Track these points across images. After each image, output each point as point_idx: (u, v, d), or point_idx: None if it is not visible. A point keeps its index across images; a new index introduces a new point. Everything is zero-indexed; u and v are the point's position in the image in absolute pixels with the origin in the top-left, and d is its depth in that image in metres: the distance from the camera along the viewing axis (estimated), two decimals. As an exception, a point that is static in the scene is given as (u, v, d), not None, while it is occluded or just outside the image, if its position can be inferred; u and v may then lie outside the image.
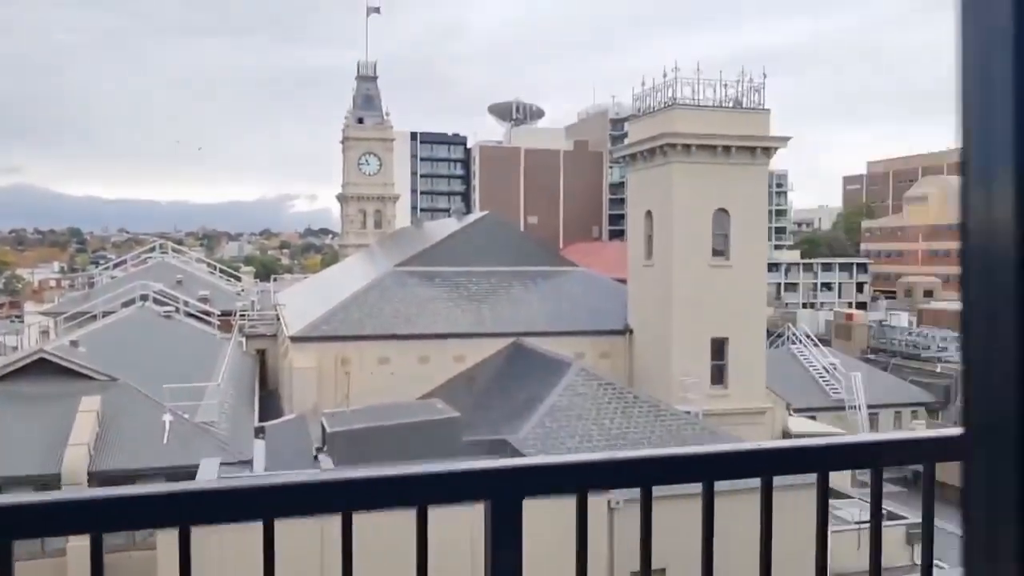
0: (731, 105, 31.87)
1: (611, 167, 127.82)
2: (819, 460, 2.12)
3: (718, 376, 31.90)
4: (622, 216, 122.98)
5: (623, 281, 37.12)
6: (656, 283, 32.50)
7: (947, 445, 2.17)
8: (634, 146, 33.72)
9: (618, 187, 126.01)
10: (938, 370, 46.48)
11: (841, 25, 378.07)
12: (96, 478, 20.28)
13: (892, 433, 2.09)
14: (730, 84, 31.80)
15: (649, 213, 33.19)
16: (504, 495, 1.81)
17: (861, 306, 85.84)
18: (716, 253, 31.82)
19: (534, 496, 1.83)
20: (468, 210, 68.30)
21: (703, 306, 31.22)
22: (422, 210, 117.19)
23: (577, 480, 1.89)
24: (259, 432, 26.58)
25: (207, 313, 41.56)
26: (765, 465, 2.08)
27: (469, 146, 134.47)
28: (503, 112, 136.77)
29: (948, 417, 44.27)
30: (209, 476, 18.00)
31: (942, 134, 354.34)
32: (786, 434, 33.00)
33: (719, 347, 31.80)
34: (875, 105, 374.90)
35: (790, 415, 34.69)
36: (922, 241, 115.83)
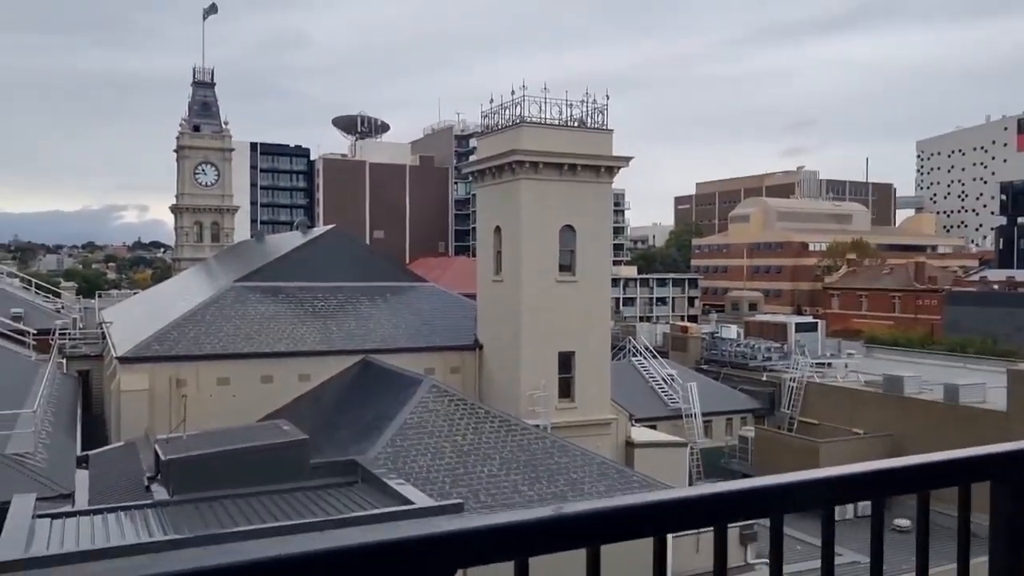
0: (576, 125, 32.62)
1: (456, 183, 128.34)
2: (875, 484, 2.03)
3: (565, 389, 32.38)
4: (468, 232, 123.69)
5: (471, 296, 37.08)
6: (505, 298, 32.64)
7: (984, 464, 2.13)
8: (483, 162, 33.82)
9: (464, 203, 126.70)
10: (764, 378, 49.54)
11: (672, 52, 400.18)
12: None
13: (935, 455, 2.06)
14: (575, 104, 32.56)
15: (498, 229, 33.34)
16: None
17: (693, 319, 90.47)
18: (563, 268, 32.37)
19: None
20: (312, 224, 66.32)
21: (551, 320, 31.65)
22: (263, 223, 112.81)
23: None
24: (82, 462, 24.34)
25: (21, 332, 37.82)
26: (827, 493, 1.95)
27: (312, 158, 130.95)
28: (348, 125, 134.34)
29: (772, 422, 47.24)
30: (23, 513, 16.14)
31: (763, 157, 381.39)
32: (629, 444, 33.97)
33: (566, 361, 32.31)
34: (702, 129, 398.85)
35: (633, 425, 35.77)
36: (746, 257, 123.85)
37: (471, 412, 25.70)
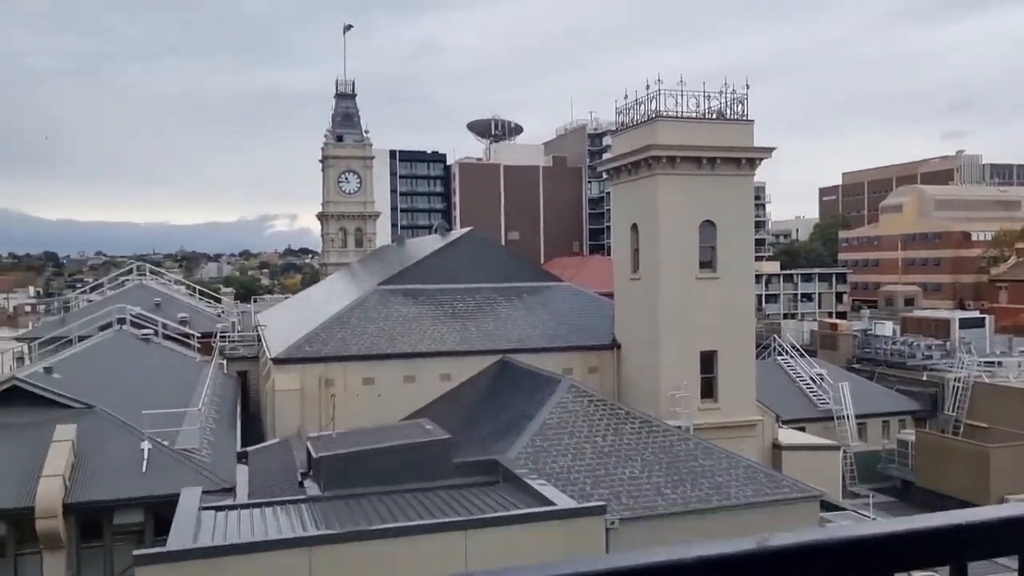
0: (714, 116, 31.59)
1: (590, 182, 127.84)
2: None
3: (708, 389, 31.43)
4: (602, 230, 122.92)
5: (607, 295, 36.65)
6: (643, 296, 32.04)
7: None
8: (618, 159, 33.34)
9: (597, 202, 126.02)
10: (924, 378, 46.32)
11: (815, 39, 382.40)
12: (72, 510, 19.39)
13: None
14: (713, 96, 31.54)
15: (635, 226, 32.78)
16: None
17: (841, 316, 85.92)
18: (703, 265, 31.44)
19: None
20: (450, 227, 67.80)
21: (691, 318, 30.80)
22: (403, 228, 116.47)
23: None
24: (242, 457, 25.77)
25: (186, 336, 40.61)
26: None
27: (449, 163, 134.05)
28: (482, 129, 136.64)
29: (935, 425, 44.08)
30: (191, 505, 17.21)
31: (917, 144, 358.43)
32: (776, 446, 32.58)
33: (708, 360, 31.36)
34: (849, 117, 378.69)
35: (779, 427, 34.27)
36: (900, 250, 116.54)
37: (611, 412, 25.34)
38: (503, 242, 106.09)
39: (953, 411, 43.32)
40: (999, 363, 47.42)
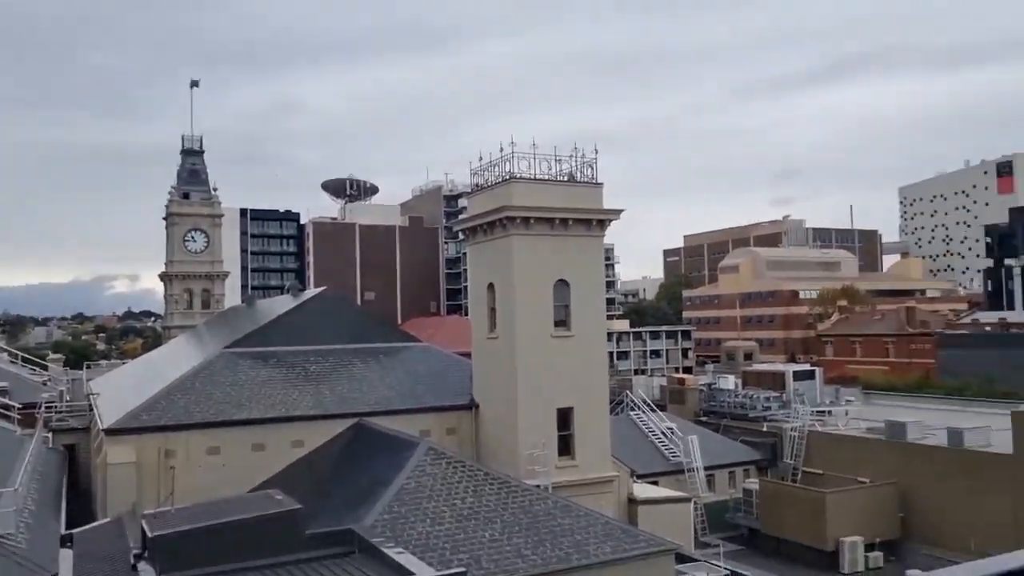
0: (566, 179, 32.51)
1: (446, 242, 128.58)
2: None
3: (565, 447, 31.57)
4: (459, 290, 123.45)
5: (464, 355, 36.44)
6: (500, 355, 32.05)
7: None
8: (474, 219, 33.58)
9: (454, 262, 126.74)
10: (764, 429, 48.74)
11: (658, 110, 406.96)
12: None
13: None
14: (564, 159, 32.50)
15: (491, 285, 32.93)
16: None
17: (688, 371, 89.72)
18: (558, 323, 31.87)
19: None
20: (303, 287, 65.81)
21: (548, 376, 31.02)
22: (254, 288, 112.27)
23: None
24: (67, 541, 23.31)
25: (6, 407, 36.84)
26: None
27: (303, 222, 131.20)
28: (337, 189, 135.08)
29: (776, 473, 46.28)
30: (1, 600, 15.23)
31: (751, 209, 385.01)
32: (632, 501, 33.05)
33: (565, 417, 31.57)
34: (690, 183, 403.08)
35: (634, 481, 34.86)
36: (738, 308, 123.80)
37: (470, 474, 24.89)
38: (359, 302, 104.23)
39: (791, 459, 45.71)
40: (829, 412, 50.66)
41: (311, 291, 45.21)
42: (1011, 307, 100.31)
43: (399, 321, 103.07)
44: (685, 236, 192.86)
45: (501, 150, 32.07)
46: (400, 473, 24.15)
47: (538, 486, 27.37)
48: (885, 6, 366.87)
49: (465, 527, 22.69)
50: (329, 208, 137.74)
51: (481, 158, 33.35)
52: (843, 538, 37.95)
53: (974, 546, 36.01)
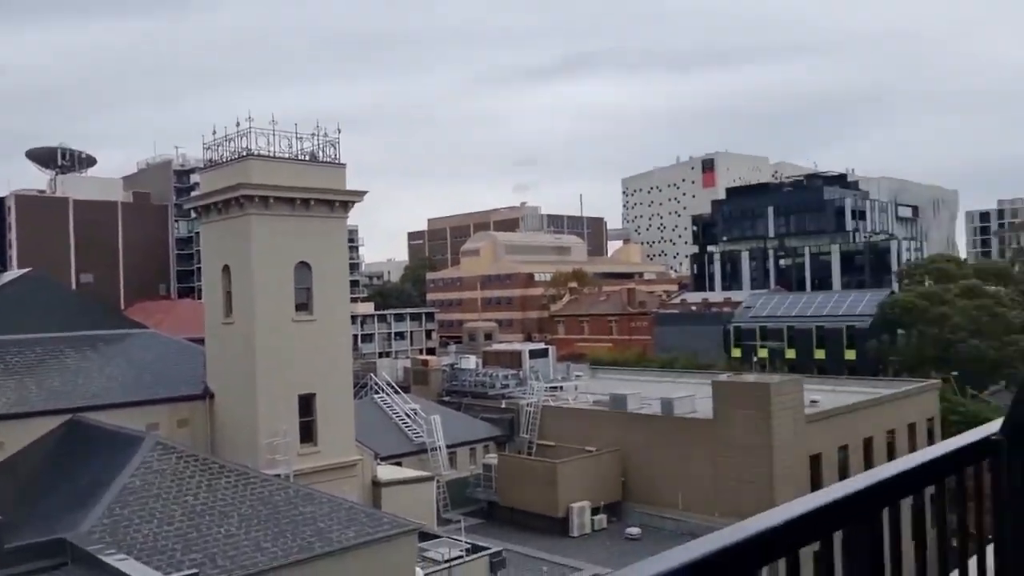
0: (307, 158, 31.50)
1: (177, 220, 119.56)
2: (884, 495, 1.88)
3: (307, 433, 30.80)
4: (192, 272, 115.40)
5: (198, 341, 34.21)
6: (237, 341, 30.44)
7: (980, 449, 2.22)
8: (207, 197, 31.48)
9: (186, 242, 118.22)
10: (503, 406, 50.95)
11: (404, 94, 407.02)
12: None
13: (928, 450, 1.96)
14: (305, 138, 31.46)
15: (227, 268, 31.12)
16: None
17: (432, 352, 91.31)
18: (299, 307, 30.91)
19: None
20: (4, 268, 57.90)
21: (288, 362, 30.01)
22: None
23: None
24: None
25: None
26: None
27: (2, 195, 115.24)
28: (45, 158, 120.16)
29: (513, 448, 48.62)
30: None
31: (494, 194, 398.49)
32: (376, 483, 33.05)
33: (307, 403, 30.78)
34: (436, 167, 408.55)
35: (378, 464, 34.89)
36: (479, 290, 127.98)
37: (203, 468, 23.43)
38: (73, 285, 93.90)
39: (527, 433, 48.24)
40: (560, 387, 54.12)
41: (14, 272, 39.89)
42: (712, 288, 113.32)
43: (123, 306, 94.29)
44: (429, 219, 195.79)
45: (238, 125, 30.35)
46: (122, 472, 22.14)
47: (279, 475, 26.47)
48: (621, 7, 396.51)
49: (198, 524, 21.34)
50: (37, 180, 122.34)
51: (215, 132, 31.34)
52: (572, 504, 40.81)
53: (681, 503, 40.42)
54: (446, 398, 53.74)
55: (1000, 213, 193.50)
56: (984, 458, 2.20)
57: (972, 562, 2.09)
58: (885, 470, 1.88)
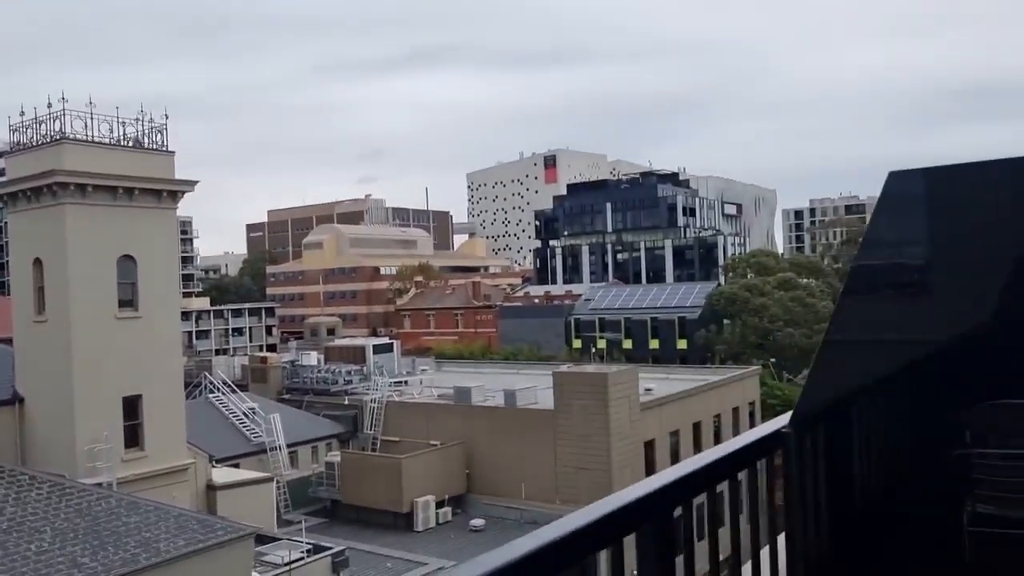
0: (131, 145, 29.47)
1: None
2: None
3: (133, 438, 28.87)
4: (1, 266, 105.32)
5: (7, 341, 31.26)
6: (51, 341, 28.04)
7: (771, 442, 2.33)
8: (15, 184, 28.76)
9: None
10: (346, 402, 49.96)
11: (246, 81, 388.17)
12: None
13: (722, 446, 1.91)
14: (129, 123, 29.41)
15: (38, 261, 28.58)
16: None
17: (272, 348, 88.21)
18: (123, 304, 28.89)
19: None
20: None
21: (110, 362, 27.98)
22: None
23: None
24: None
25: None
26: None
27: None
28: None
29: (357, 444, 47.81)
30: None
31: (337, 186, 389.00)
32: (211, 487, 31.52)
33: (132, 406, 28.84)
34: (278, 158, 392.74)
35: (213, 466, 33.27)
36: (322, 284, 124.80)
37: (11, 480, 21.45)
38: None
39: (371, 430, 47.56)
40: (406, 382, 53.73)
41: None
42: (554, 281, 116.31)
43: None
44: (269, 211, 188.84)
45: (50, 106, 27.92)
46: (-88, 489, 19.87)
47: (100, 484, 24.67)
48: (470, 2, 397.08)
49: (4, 543, 19.49)
50: None
51: (23, 113, 28.68)
52: (417, 499, 40.66)
53: (524, 493, 41.22)
54: (287, 396, 52.06)
55: (812, 211, 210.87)
56: (776, 450, 2.28)
57: (764, 552, 2.17)
58: (679, 469, 1.90)
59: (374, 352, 55.86)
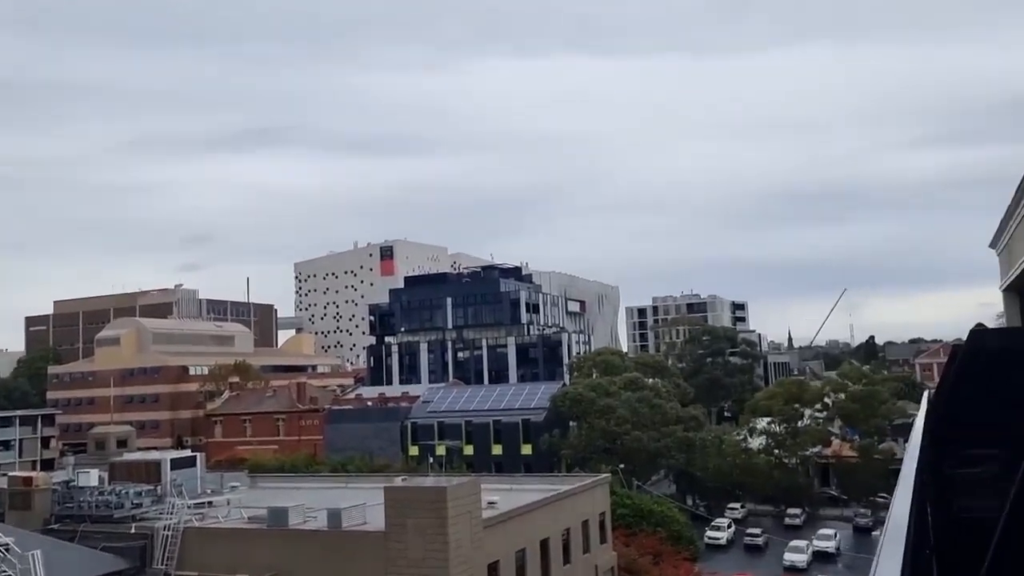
0: None
1: None
2: None
3: None
4: None
5: None
6: None
7: None
8: None
9: None
10: (133, 530, 44.19)
11: (34, 155, 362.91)
12: None
13: None
14: None
15: None
16: None
17: (48, 464, 78.90)
18: None
19: None
20: None
21: None
22: None
23: None
24: None
25: None
26: None
27: None
28: None
29: (145, 582, 42.12)
30: None
31: (153, 274, 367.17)
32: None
33: None
34: (73, 242, 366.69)
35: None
36: (116, 386, 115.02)
37: None
38: None
39: (162, 563, 42.06)
40: (210, 503, 48.52)
41: None
42: (390, 381, 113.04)
43: None
44: (56, 302, 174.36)
45: None
46: None
47: None
48: (305, 85, 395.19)
49: None
50: None
51: None
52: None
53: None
54: (56, 526, 45.45)
55: (655, 309, 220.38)
56: None
57: None
58: None
59: (172, 467, 50.32)
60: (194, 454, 55.79)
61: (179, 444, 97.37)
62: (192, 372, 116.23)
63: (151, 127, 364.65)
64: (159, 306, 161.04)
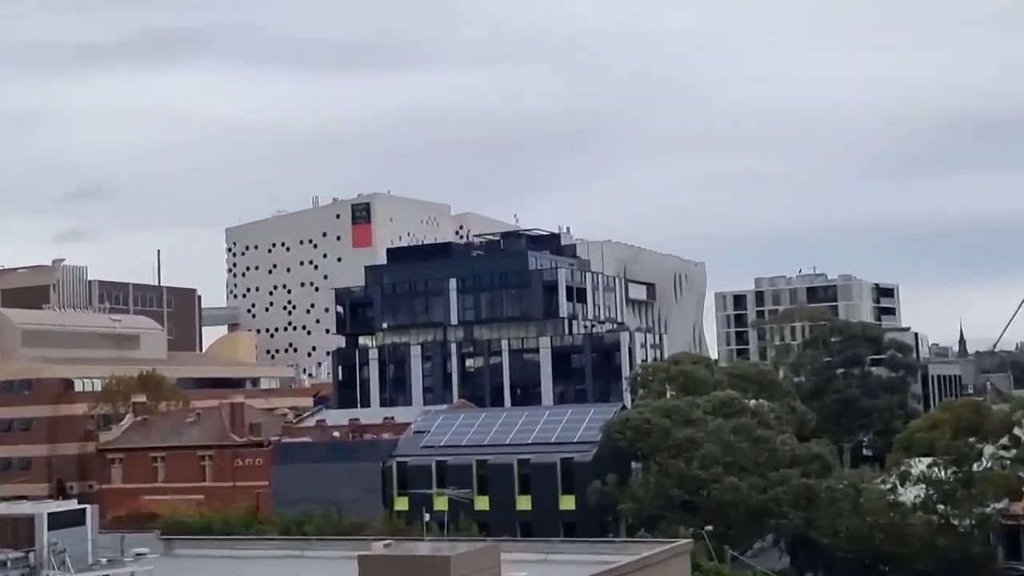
0: None
1: None
2: None
3: None
4: None
5: None
6: None
7: None
8: None
9: None
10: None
11: None
12: None
13: None
14: None
15: None
16: None
17: None
18: None
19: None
20: None
21: None
22: None
23: None
24: None
25: None
26: None
27: None
28: None
29: None
30: None
31: (28, 243, 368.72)
32: None
33: None
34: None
35: None
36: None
37: None
38: None
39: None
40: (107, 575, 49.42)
41: None
42: (366, 403, 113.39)
43: None
44: None
45: None
46: None
47: None
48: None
49: None
50: None
51: None
52: None
53: None
54: None
55: (759, 296, 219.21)
56: None
57: None
58: None
59: (51, 526, 51.23)
60: (82, 507, 56.56)
61: (60, 492, 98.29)
62: (79, 388, 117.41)
63: (9, 28, 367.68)
64: (30, 290, 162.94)
